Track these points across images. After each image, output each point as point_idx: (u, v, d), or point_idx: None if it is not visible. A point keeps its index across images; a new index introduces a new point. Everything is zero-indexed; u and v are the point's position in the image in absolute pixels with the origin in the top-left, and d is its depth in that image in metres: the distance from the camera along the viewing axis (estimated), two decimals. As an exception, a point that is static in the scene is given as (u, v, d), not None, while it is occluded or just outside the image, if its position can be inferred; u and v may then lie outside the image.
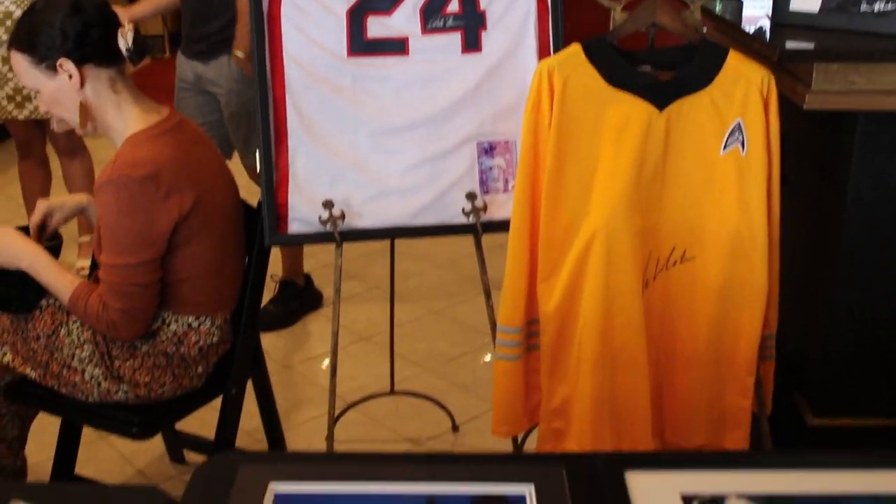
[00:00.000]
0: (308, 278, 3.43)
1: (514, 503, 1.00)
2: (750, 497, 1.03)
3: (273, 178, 2.09)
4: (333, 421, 2.27)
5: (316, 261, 3.73)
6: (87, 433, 2.42)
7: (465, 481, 1.03)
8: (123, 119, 1.94)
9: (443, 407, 2.71)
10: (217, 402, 2.15)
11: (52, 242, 2.07)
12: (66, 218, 2.16)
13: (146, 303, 1.91)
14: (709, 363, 1.91)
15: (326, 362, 3.11)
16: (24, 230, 2.03)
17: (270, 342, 3.16)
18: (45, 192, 3.69)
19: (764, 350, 1.93)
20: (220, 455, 1.11)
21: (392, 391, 2.70)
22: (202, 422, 2.36)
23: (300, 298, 3.39)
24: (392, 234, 2.18)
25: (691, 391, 1.94)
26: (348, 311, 3.37)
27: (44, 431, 2.39)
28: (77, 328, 1.99)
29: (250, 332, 2.10)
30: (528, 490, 1.01)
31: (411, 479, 1.03)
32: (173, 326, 1.97)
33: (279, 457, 1.11)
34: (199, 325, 1.98)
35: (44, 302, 2.04)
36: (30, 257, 1.98)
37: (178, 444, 2.55)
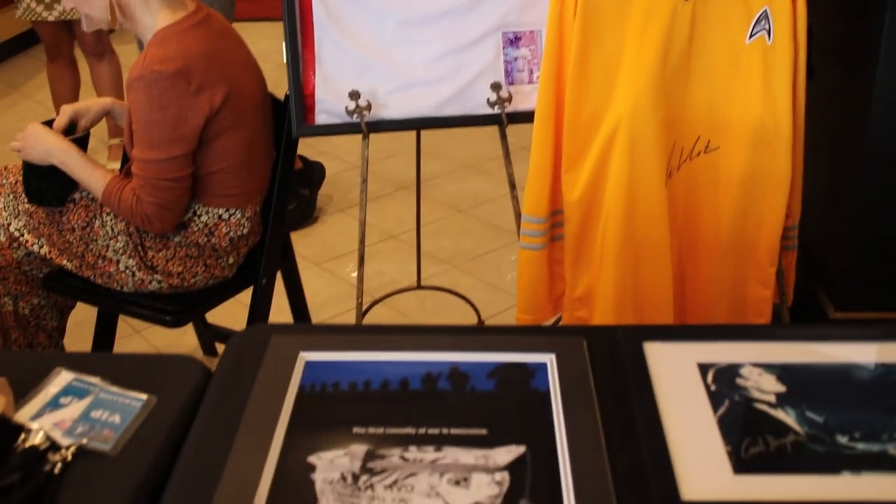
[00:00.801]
0: (301, 158, 3.37)
1: (536, 371, 1.03)
2: (765, 366, 1.05)
3: (300, 70, 2.10)
4: (362, 314, 2.31)
5: (343, 163, 3.75)
6: (122, 329, 2.49)
7: (489, 351, 1.06)
8: (151, 14, 1.95)
9: (468, 301, 2.75)
10: (247, 297, 2.20)
11: (79, 135, 2.10)
12: (92, 122, 2.17)
13: (178, 196, 1.94)
14: (731, 253, 1.92)
15: (355, 260, 3.15)
16: (50, 124, 2.06)
17: (299, 241, 3.20)
18: (75, 94, 3.72)
19: (786, 241, 1.95)
20: (253, 326, 1.15)
21: (419, 286, 2.74)
22: (233, 316, 2.42)
23: (304, 179, 3.34)
24: (417, 124, 2.19)
25: (713, 281, 1.96)
26: (377, 210, 3.40)
27: (81, 325, 2.46)
28: (111, 220, 2.03)
29: (279, 223, 2.14)
30: (549, 359, 1.05)
31: (437, 348, 1.07)
32: (204, 218, 2.00)
33: (310, 328, 1.15)
34: (230, 216, 2.02)
35: (77, 195, 2.08)
36: (61, 153, 2.01)
37: (210, 338, 2.61)
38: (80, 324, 2.43)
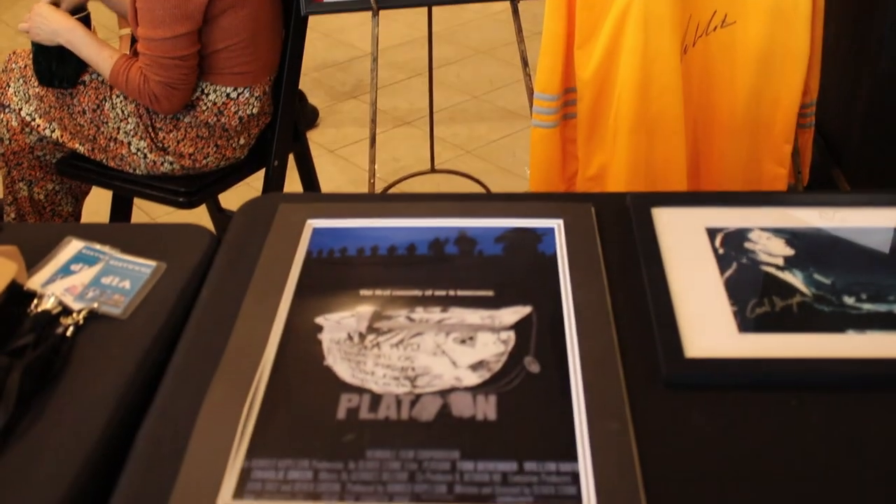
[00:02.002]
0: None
1: (543, 235, 1.03)
2: (775, 230, 1.05)
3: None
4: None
5: (356, 50, 3.71)
6: (137, 216, 2.50)
7: (497, 217, 1.06)
8: None
9: (482, 185, 2.75)
10: (260, 183, 2.20)
11: (80, 15, 2.08)
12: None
13: (185, 75, 1.93)
14: (746, 130, 1.90)
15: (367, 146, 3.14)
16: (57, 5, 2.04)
17: (312, 129, 3.19)
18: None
19: (803, 118, 1.92)
20: (262, 196, 1.15)
21: (432, 170, 2.74)
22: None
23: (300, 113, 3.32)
24: (428, 0, 2.15)
25: (728, 159, 1.94)
26: (390, 96, 3.37)
27: (96, 216, 2.48)
28: (121, 102, 2.03)
29: (290, 103, 2.12)
30: (557, 224, 1.05)
31: (445, 215, 1.07)
32: (212, 97, 1.99)
33: (318, 196, 1.15)
34: (238, 95, 2.00)
35: (86, 77, 2.07)
36: (67, 32, 2.00)
37: (223, 223, 2.61)
38: (95, 213, 2.44)
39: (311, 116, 3.33)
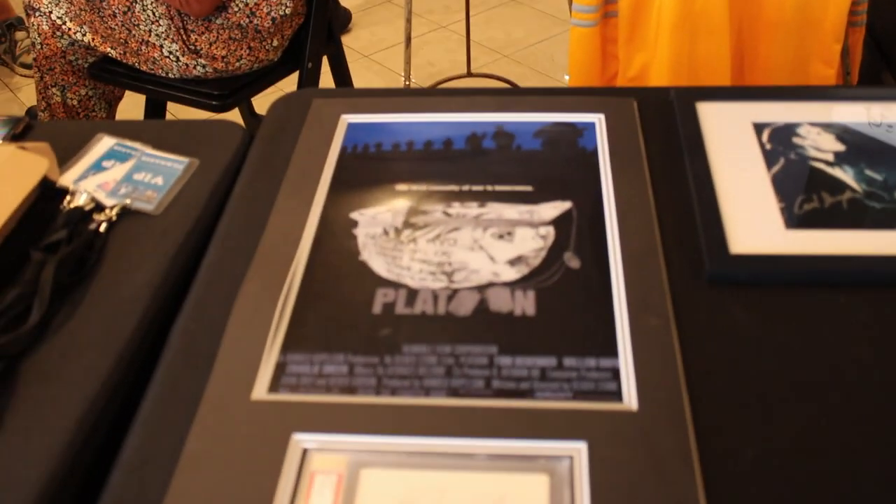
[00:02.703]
0: None
1: (584, 130, 1.00)
2: (825, 125, 1.01)
3: None
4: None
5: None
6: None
7: (536, 111, 1.03)
8: None
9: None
10: (293, 87, 2.17)
11: None
12: None
13: (217, -26, 1.89)
14: (794, 28, 1.84)
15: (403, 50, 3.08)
16: None
17: (346, 34, 3.14)
18: None
19: (854, 16, 1.85)
20: (295, 91, 1.13)
21: (468, 74, 2.69)
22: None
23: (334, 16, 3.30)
24: None
25: (774, 58, 1.88)
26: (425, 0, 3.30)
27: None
28: (151, 3, 1.99)
29: (323, 2, 2.08)
30: (598, 118, 1.01)
31: (482, 109, 1.04)
32: (245, -3, 1.96)
33: (352, 92, 1.12)
34: (271, -5, 1.96)
35: (117, -22, 2.03)
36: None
37: (257, 127, 2.59)
38: (129, 119, 2.43)
39: (343, 19, 3.28)
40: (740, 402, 0.71)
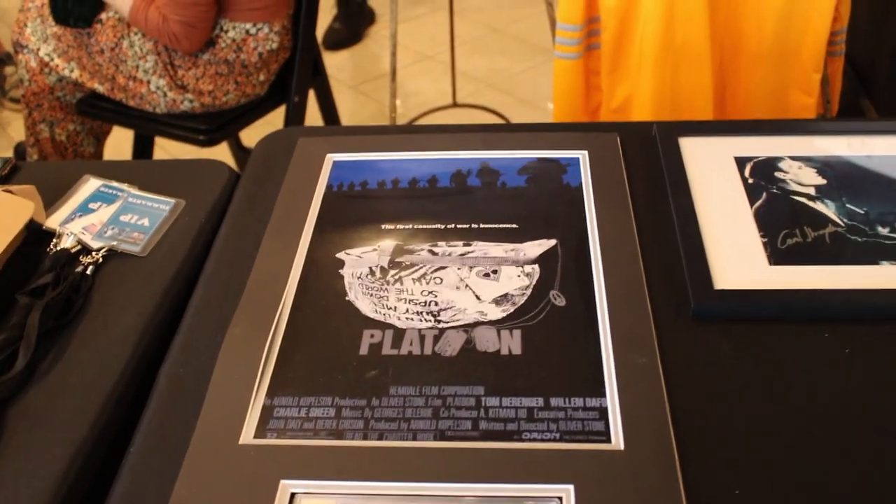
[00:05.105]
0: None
1: (568, 166, 1.01)
2: (806, 159, 1.02)
3: None
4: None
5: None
6: (158, 156, 2.49)
7: (520, 148, 1.04)
8: None
9: (504, 119, 2.71)
10: (281, 120, 2.18)
11: None
12: None
13: (204, 12, 1.90)
14: (774, 58, 1.85)
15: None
16: None
17: (334, 64, 3.15)
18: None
19: (832, 46, 1.87)
20: (280, 130, 1.13)
21: (454, 104, 2.70)
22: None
23: (360, 14, 3.36)
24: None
25: (755, 88, 1.90)
26: (411, 31, 3.32)
27: (118, 156, 2.46)
28: (139, 39, 2.00)
29: (309, 38, 2.09)
30: (581, 154, 1.02)
31: (467, 147, 1.04)
32: (231, 33, 1.96)
33: (337, 129, 1.13)
34: (257, 30, 1.97)
35: (104, 15, 2.04)
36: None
37: (245, 161, 2.60)
38: (117, 154, 2.43)
39: (368, 17, 3.36)
40: (727, 437, 0.72)
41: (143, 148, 2.34)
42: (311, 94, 2.27)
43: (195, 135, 2.04)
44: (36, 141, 2.23)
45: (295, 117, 2.14)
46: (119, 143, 2.42)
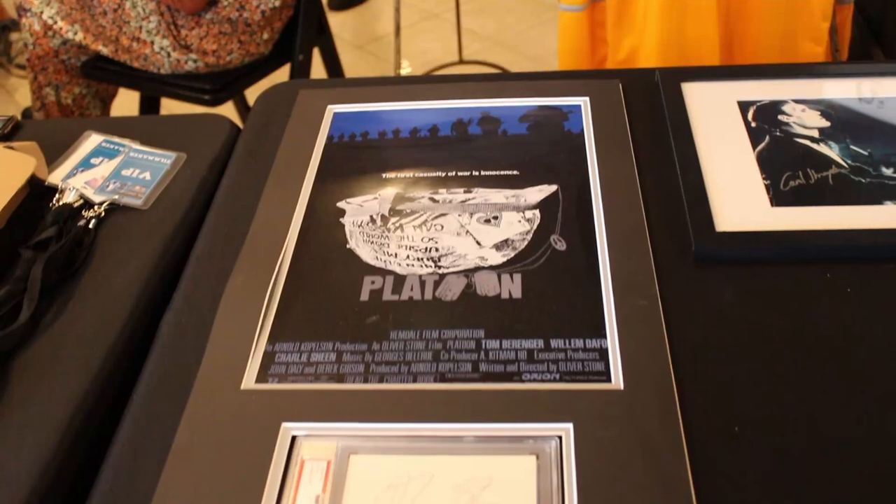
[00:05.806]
0: None
1: (569, 113, 1.00)
2: (810, 102, 1.01)
3: None
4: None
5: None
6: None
7: (521, 96, 1.03)
8: None
9: (512, 76, 2.69)
10: (286, 78, 2.17)
11: None
12: None
13: (206, -30, 1.89)
14: (782, 7, 1.83)
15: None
16: None
17: (340, 23, 3.14)
18: None
19: (842, -7, 1.85)
20: (281, 83, 1.13)
21: (461, 61, 2.69)
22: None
23: None
24: None
25: (763, 38, 1.88)
26: (415, -13, 3.30)
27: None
28: (141, 1, 1.99)
29: (312, -5, 2.08)
30: (583, 101, 1.02)
31: (468, 96, 1.04)
32: (234, -9, 1.96)
33: (337, 82, 1.12)
34: (260, -12, 1.96)
35: (106, -24, 2.03)
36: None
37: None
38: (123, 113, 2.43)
39: None
40: (728, 380, 0.72)
41: (149, 110, 2.34)
42: (317, 55, 2.26)
43: (200, 94, 2.04)
44: (42, 105, 2.23)
45: (299, 76, 2.13)
46: (125, 106, 2.41)
